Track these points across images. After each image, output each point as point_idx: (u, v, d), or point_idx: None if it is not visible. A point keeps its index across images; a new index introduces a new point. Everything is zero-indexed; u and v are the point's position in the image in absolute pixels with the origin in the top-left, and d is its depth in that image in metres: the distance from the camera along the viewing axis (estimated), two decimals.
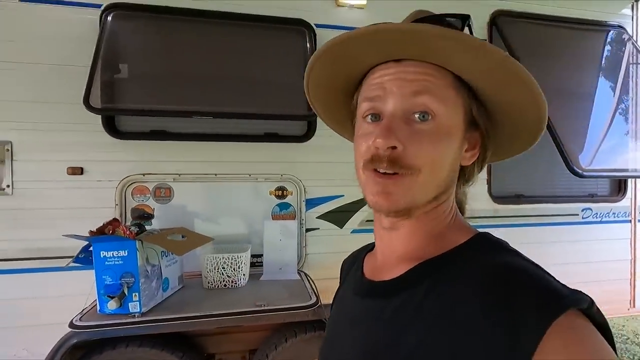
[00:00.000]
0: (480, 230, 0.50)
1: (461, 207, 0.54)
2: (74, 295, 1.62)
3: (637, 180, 2.29)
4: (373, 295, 0.50)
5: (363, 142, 0.47)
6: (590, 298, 0.37)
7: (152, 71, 1.66)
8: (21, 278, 1.61)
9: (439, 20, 0.45)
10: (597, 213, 2.25)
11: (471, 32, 0.46)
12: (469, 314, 0.38)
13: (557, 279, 0.39)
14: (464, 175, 0.52)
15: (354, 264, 0.62)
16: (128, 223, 1.58)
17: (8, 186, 1.59)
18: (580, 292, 0.37)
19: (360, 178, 0.49)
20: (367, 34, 0.43)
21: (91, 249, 1.31)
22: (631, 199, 2.29)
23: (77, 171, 1.64)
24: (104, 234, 1.30)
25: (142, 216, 1.63)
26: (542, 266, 0.42)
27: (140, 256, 1.27)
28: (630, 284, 2.29)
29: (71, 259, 1.44)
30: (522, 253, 0.44)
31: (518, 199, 2.16)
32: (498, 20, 2.08)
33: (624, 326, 3.45)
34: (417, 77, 0.44)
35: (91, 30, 1.66)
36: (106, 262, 1.26)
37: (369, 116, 0.47)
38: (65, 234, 1.51)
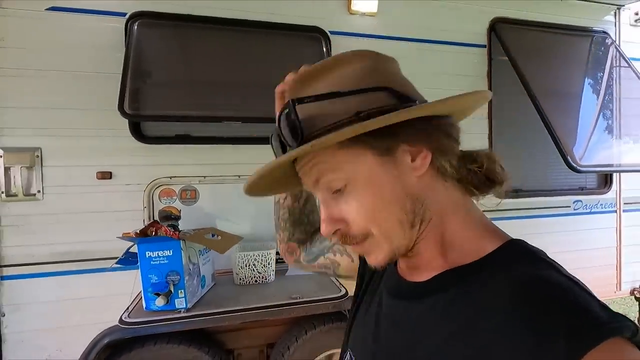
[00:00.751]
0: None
1: (494, 180, 0.47)
2: (104, 297, 1.69)
3: (622, 174, 2.49)
4: (402, 295, 0.51)
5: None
6: (636, 324, 0.33)
7: (179, 77, 1.72)
8: (53, 281, 1.65)
9: (280, 122, 0.45)
10: (586, 205, 2.44)
11: (295, 113, 0.44)
12: (493, 328, 0.37)
13: (596, 297, 0.36)
14: (440, 170, 0.46)
15: None
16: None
17: (39, 191, 1.63)
18: (622, 316, 0.33)
19: None
20: (262, 177, 0.46)
21: (132, 250, 1.37)
22: (616, 191, 2.49)
23: (107, 175, 1.69)
24: (147, 235, 1.36)
25: (170, 217, 1.69)
26: None
27: (184, 255, 1.34)
28: (616, 269, 2.50)
29: (114, 261, 1.50)
30: (559, 265, 0.42)
31: (516, 193, 2.32)
32: (497, 27, 2.23)
33: None
34: (309, 168, 0.46)
35: (117, 38, 1.70)
36: (152, 262, 1.33)
37: None
38: (100, 236, 1.58)
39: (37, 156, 1.62)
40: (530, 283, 0.38)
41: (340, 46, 1.95)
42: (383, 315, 0.52)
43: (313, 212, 0.75)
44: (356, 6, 1.99)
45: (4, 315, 1.60)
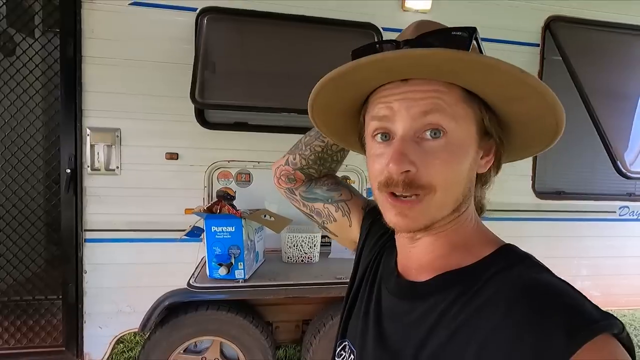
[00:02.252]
0: (507, 238, 0.50)
1: (480, 206, 0.54)
2: (167, 264, 1.91)
3: None
4: (402, 294, 0.52)
5: (375, 163, 0.47)
6: (622, 322, 0.36)
7: (242, 69, 1.87)
8: (126, 246, 1.89)
9: (445, 36, 0.42)
10: (633, 211, 2.38)
11: (479, 45, 0.45)
12: (492, 328, 0.39)
13: (587, 297, 0.39)
14: (481, 179, 0.52)
15: (386, 234, 0.63)
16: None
17: (117, 167, 1.85)
18: (612, 315, 0.36)
19: (377, 197, 0.49)
20: (375, 62, 0.42)
21: (197, 225, 1.55)
22: None
23: (174, 156, 1.88)
24: (212, 212, 1.53)
25: (226, 197, 1.87)
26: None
27: (245, 231, 1.51)
28: None
29: (178, 232, 1.70)
30: (549, 267, 0.44)
31: (559, 195, 2.31)
32: (552, 25, 2.19)
33: None
34: (426, 96, 0.43)
35: (187, 31, 1.87)
36: (216, 236, 1.50)
37: (379, 135, 0.47)
38: (166, 210, 1.78)
39: (117, 136, 1.84)
40: (527, 284, 0.40)
41: None
42: (384, 315, 0.53)
43: (338, 163, 0.75)
44: (409, 3, 2.04)
45: (86, 273, 1.86)
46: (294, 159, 0.73)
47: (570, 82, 2.03)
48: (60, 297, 1.88)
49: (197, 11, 1.86)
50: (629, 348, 0.36)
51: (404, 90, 0.44)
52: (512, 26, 2.17)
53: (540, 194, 2.25)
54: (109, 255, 1.87)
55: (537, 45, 2.22)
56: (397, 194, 0.44)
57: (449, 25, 0.44)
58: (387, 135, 0.46)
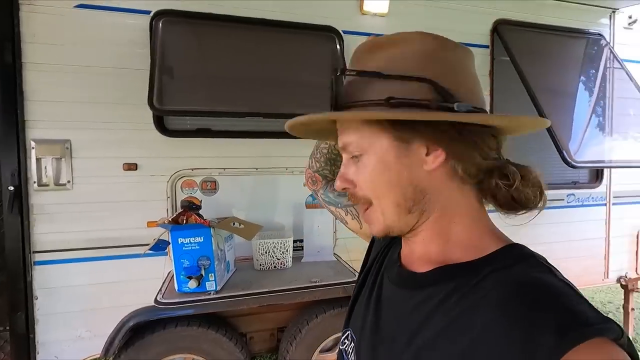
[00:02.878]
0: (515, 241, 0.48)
1: (519, 195, 0.47)
2: (130, 281, 1.79)
3: (612, 169, 2.65)
4: (402, 283, 0.53)
5: None
6: (621, 328, 0.35)
7: (201, 74, 1.80)
8: (82, 266, 1.75)
9: (360, 79, 0.49)
10: (579, 198, 2.59)
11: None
12: (486, 323, 0.39)
13: (588, 301, 0.38)
14: (457, 171, 0.48)
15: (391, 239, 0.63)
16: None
17: (68, 181, 1.71)
18: (611, 320, 0.35)
19: None
20: (305, 123, 0.52)
21: (163, 237, 1.47)
22: (606, 185, 2.65)
23: (133, 167, 1.78)
24: (178, 223, 1.46)
25: (191, 207, 1.79)
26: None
27: (214, 241, 1.45)
28: (605, 259, 2.66)
29: (140, 247, 1.60)
30: (557, 270, 0.43)
31: None
32: (499, 28, 2.34)
33: (592, 298, 3.90)
34: (342, 132, 0.52)
35: (141, 35, 1.78)
36: (184, 248, 1.43)
37: None
38: (126, 224, 1.67)
39: (67, 148, 1.70)
40: (526, 282, 0.40)
41: (353, 45, 2.04)
42: (383, 303, 0.55)
43: None
44: (368, 7, 2.08)
45: (37, 299, 1.69)
46: (311, 162, 0.81)
47: (518, 80, 2.18)
48: (8, 327, 1.69)
49: (151, 14, 1.78)
50: (633, 355, 0.34)
51: (337, 126, 0.53)
52: (464, 29, 2.29)
53: None
54: (63, 278, 1.72)
55: (487, 46, 2.36)
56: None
57: (405, 29, 0.49)
58: None
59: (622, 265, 2.67)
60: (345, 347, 0.59)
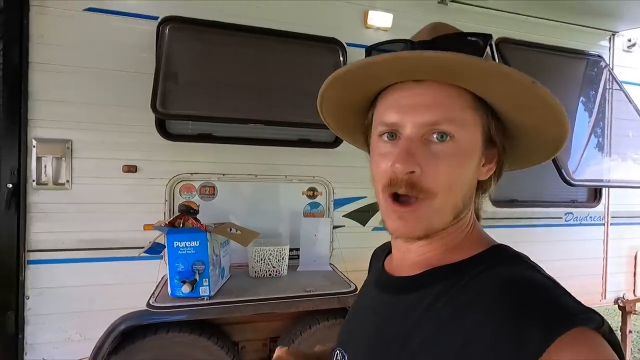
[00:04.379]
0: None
1: (477, 214, 0.54)
2: (124, 284, 1.78)
3: (610, 189, 2.65)
4: (389, 289, 0.53)
5: (381, 162, 0.47)
6: (602, 317, 0.36)
7: (205, 80, 1.83)
8: (76, 267, 1.73)
9: (461, 40, 0.44)
10: (577, 216, 2.59)
11: (492, 52, 0.52)
12: (477, 322, 0.39)
13: (572, 294, 0.39)
14: (482, 187, 0.52)
15: (383, 252, 0.63)
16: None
17: (67, 181, 1.71)
18: (593, 310, 0.37)
19: (379, 200, 0.49)
20: (388, 61, 0.42)
21: (158, 240, 1.46)
22: (605, 205, 2.65)
23: (132, 169, 1.78)
24: (175, 226, 1.46)
25: (188, 211, 1.79)
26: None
27: (210, 246, 1.44)
28: (602, 279, 2.65)
29: (136, 249, 1.59)
30: (542, 268, 0.44)
31: (512, 203, 2.46)
32: (501, 46, 2.38)
33: None
34: (436, 100, 0.43)
35: (148, 39, 1.80)
36: (179, 251, 1.42)
37: (385, 134, 0.47)
38: (123, 226, 1.66)
39: (68, 148, 1.71)
40: (513, 280, 0.41)
41: (355, 58, 2.07)
42: (372, 310, 0.54)
43: None
44: (372, 20, 2.12)
45: (28, 298, 1.68)
46: None
47: None
48: None
49: (159, 20, 1.81)
50: (613, 342, 0.36)
51: (413, 93, 0.44)
52: None
53: (496, 202, 2.39)
54: (56, 278, 1.70)
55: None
56: (400, 193, 0.44)
57: None
58: (393, 135, 0.46)
59: (620, 287, 2.65)
60: None
